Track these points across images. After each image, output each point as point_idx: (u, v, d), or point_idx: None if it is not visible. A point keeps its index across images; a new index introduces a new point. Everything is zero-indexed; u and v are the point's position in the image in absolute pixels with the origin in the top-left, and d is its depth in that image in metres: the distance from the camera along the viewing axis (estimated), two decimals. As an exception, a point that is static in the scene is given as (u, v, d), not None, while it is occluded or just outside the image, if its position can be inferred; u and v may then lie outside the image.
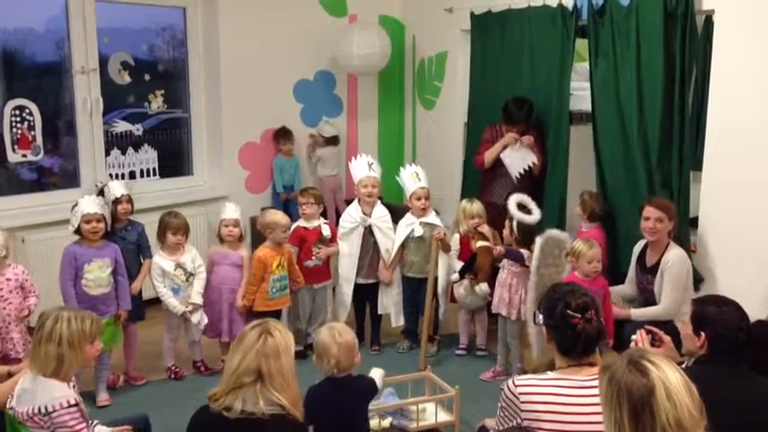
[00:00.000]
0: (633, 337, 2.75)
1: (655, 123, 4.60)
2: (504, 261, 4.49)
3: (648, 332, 2.81)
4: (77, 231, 4.07)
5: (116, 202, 4.33)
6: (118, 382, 4.41)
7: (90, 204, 4.06)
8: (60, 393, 2.64)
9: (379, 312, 5.00)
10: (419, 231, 4.77)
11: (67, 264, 4.04)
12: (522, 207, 4.52)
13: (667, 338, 2.70)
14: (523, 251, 4.40)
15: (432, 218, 4.83)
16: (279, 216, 4.60)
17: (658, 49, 4.48)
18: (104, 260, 4.09)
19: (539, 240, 4.26)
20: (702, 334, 2.58)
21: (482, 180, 5.42)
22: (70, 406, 2.63)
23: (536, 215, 4.50)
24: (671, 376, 1.77)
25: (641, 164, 4.71)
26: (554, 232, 4.31)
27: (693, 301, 2.75)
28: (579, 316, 2.37)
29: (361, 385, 3.03)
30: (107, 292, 4.11)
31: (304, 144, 6.43)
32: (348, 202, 5.49)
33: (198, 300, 4.44)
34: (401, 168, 5.01)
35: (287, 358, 2.35)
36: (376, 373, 3.30)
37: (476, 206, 4.81)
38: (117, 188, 4.38)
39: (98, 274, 4.07)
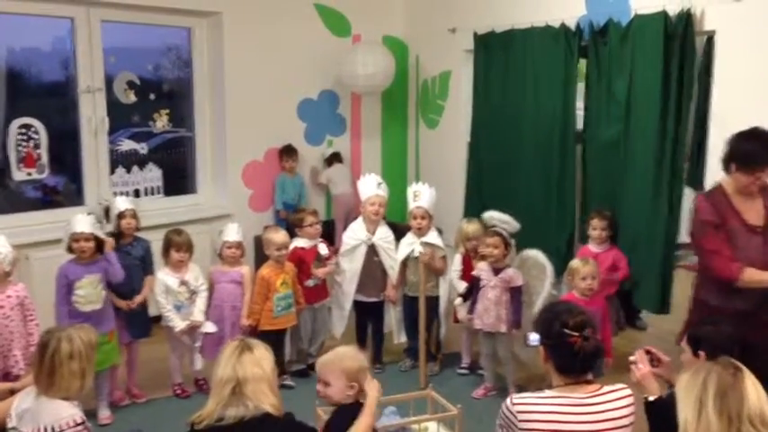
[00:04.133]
0: (631, 358, 2.72)
1: (653, 143, 4.62)
2: (496, 279, 4.45)
3: (647, 352, 2.79)
4: (69, 249, 4.07)
5: (120, 216, 4.34)
6: (124, 400, 4.42)
7: (79, 224, 4.05)
8: (66, 413, 2.63)
9: (386, 330, 5.00)
10: (419, 251, 4.76)
11: (59, 282, 4.04)
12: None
13: (666, 359, 2.69)
14: (511, 270, 4.45)
15: (433, 237, 4.81)
16: (272, 234, 4.61)
17: (657, 70, 4.51)
18: (95, 276, 4.08)
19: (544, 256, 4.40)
20: (701, 353, 2.58)
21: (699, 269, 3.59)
22: (77, 425, 2.63)
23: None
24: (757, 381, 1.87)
25: (637, 182, 4.74)
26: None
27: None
28: (577, 334, 2.35)
29: None
30: (99, 309, 4.09)
31: (308, 162, 6.46)
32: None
33: (200, 317, 4.44)
34: (408, 186, 5.02)
35: (263, 369, 2.44)
36: None
37: (472, 227, 4.81)
38: (121, 203, 4.41)
39: (89, 291, 4.05)
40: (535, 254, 4.60)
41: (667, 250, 4.61)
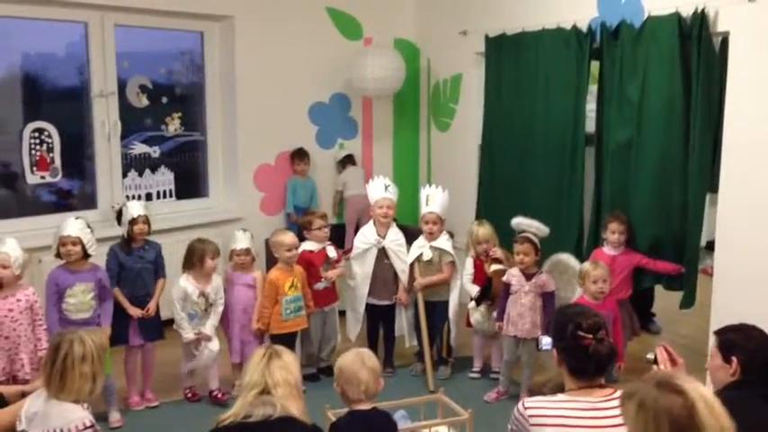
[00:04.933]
0: (649, 356, 2.67)
1: (668, 146, 4.58)
2: (529, 285, 4.43)
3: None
4: (59, 254, 4.05)
5: (132, 222, 4.34)
6: (140, 404, 4.43)
7: (67, 227, 4.03)
8: (75, 415, 2.64)
9: (397, 334, 4.99)
10: (428, 255, 4.75)
11: (50, 288, 4.01)
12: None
13: (681, 360, 2.65)
14: (544, 275, 4.43)
15: (442, 242, 4.79)
16: (281, 236, 4.61)
17: (672, 71, 4.47)
18: (87, 284, 4.06)
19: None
20: (734, 359, 2.54)
21: None
22: (86, 428, 2.64)
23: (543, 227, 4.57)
24: (703, 390, 1.73)
25: (655, 187, 4.71)
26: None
27: (716, 332, 2.72)
28: (591, 336, 2.33)
29: (386, 421, 2.82)
30: (88, 318, 4.06)
31: (320, 166, 6.46)
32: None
33: (210, 331, 4.42)
34: (421, 188, 5.00)
35: (291, 374, 2.47)
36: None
37: (483, 230, 4.78)
38: (134, 208, 4.39)
39: (80, 299, 4.04)
40: (566, 258, 4.57)
41: (692, 251, 4.58)
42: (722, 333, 2.68)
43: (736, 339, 2.59)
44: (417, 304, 4.88)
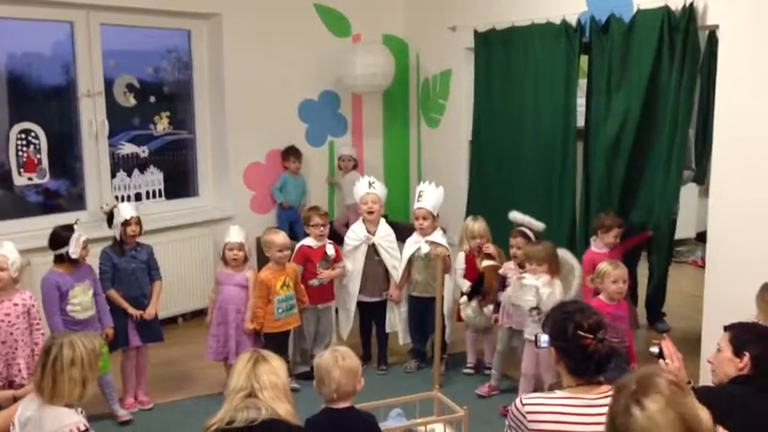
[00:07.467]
0: (654, 350, 2.65)
1: (657, 140, 4.60)
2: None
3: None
4: (61, 257, 4.02)
5: (125, 224, 4.32)
6: (134, 407, 4.40)
7: (82, 233, 4.06)
8: (69, 420, 2.60)
9: (387, 330, 4.98)
10: (425, 250, 4.75)
11: (52, 293, 3.98)
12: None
13: (680, 355, 2.64)
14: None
15: (437, 237, 4.79)
16: (273, 236, 4.59)
17: (661, 65, 4.48)
18: (85, 283, 4.08)
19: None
20: (746, 354, 2.55)
21: None
22: (80, 433, 2.61)
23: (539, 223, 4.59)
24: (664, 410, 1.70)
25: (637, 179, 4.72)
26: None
27: (727, 327, 2.71)
28: (592, 336, 2.30)
29: (360, 421, 2.79)
30: (93, 315, 4.10)
31: (310, 163, 6.44)
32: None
33: None
34: (413, 185, 5.00)
35: (278, 377, 2.42)
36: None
37: (478, 225, 4.79)
38: (126, 210, 4.37)
39: (83, 298, 4.05)
40: (563, 253, 4.56)
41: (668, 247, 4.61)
42: (734, 328, 2.68)
43: (749, 335, 2.60)
44: (411, 301, 4.87)
